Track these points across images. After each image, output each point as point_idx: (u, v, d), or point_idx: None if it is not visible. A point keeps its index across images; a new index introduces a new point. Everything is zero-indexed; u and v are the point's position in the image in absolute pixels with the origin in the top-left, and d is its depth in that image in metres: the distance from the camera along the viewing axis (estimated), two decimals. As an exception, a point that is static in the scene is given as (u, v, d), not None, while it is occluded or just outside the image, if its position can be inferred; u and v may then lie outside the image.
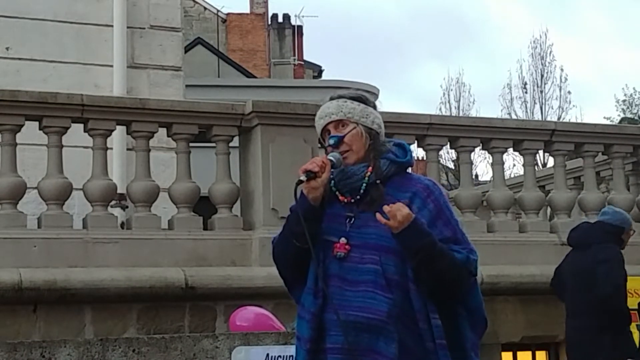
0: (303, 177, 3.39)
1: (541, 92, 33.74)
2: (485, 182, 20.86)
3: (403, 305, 3.36)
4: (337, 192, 3.51)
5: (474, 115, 30.39)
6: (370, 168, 3.48)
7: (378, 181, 3.46)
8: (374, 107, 3.61)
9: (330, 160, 3.44)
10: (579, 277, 6.86)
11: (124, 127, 7.75)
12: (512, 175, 19.37)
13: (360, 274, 3.38)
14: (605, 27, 63.61)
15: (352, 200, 3.48)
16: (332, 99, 3.61)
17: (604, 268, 6.69)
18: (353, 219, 3.46)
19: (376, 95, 18.31)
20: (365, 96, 3.62)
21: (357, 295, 3.36)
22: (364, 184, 3.46)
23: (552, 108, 33.56)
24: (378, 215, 3.35)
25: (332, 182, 3.49)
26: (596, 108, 55.22)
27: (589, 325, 6.73)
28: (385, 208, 3.34)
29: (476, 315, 3.51)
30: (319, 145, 7.91)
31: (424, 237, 3.36)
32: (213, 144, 7.84)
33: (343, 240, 3.43)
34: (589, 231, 7.06)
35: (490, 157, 9.06)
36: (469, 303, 3.50)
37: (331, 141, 3.52)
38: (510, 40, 64.41)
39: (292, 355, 5.90)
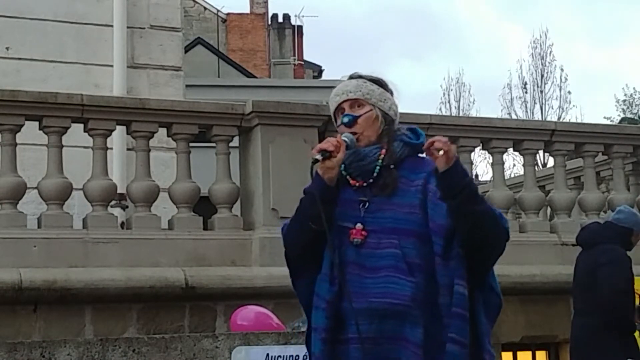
0: (318, 157, 3.26)
1: (541, 92, 33.80)
2: (485, 182, 20.85)
3: (426, 289, 3.22)
4: (347, 177, 3.37)
5: (474, 115, 30.40)
6: (383, 150, 3.36)
7: (392, 166, 3.34)
8: (392, 94, 3.50)
9: (344, 141, 3.30)
10: (585, 276, 6.81)
11: (124, 127, 7.75)
12: (512, 175, 19.40)
13: (379, 259, 3.24)
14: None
15: (365, 184, 3.35)
16: (351, 77, 3.47)
17: (605, 271, 6.66)
18: (367, 204, 3.32)
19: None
20: (384, 81, 3.49)
21: (377, 281, 3.23)
22: (377, 167, 3.34)
23: (552, 108, 33.66)
24: (431, 148, 3.17)
25: (343, 166, 3.34)
26: (596, 108, 55.25)
27: (596, 324, 6.67)
28: (437, 141, 3.17)
29: (492, 299, 3.37)
30: (318, 142, 7.93)
31: (466, 174, 3.23)
32: (213, 144, 7.84)
33: (359, 226, 3.29)
34: (597, 231, 7.01)
35: (490, 157, 9.05)
36: (491, 281, 3.36)
37: (345, 119, 3.39)
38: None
39: (292, 355, 5.93)
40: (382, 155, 3.35)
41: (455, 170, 3.19)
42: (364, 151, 3.35)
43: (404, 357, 3.19)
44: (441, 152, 3.17)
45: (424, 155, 3.40)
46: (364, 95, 3.41)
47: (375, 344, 3.22)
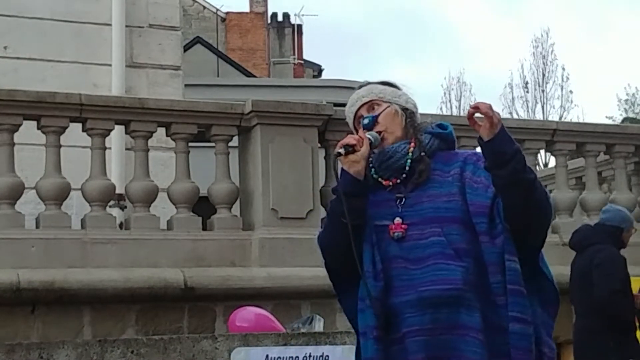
0: (342, 150, 3.16)
1: (543, 91, 33.81)
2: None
3: (477, 272, 3.12)
4: (379, 179, 3.27)
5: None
6: (412, 144, 3.26)
7: (423, 153, 3.25)
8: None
9: (368, 139, 3.20)
10: (580, 279, 6.89)
11: (123, 127, 7.72)
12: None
13: (424, 249, 3.14)
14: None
15: (398, 181, 3.25)
16: (360, 87, 3.42)
17: (599, 272, 6.71)
18: (404, 199, 3.22)
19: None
20: (394, 82, 3.43)
21: (425, 270, 3.11)
22: (409, 160, 3.24)
23: (554, 107, 33.67)
24: (471, 115, 3.06)
25: (372, 169, 3.26)
26: (598, 107, 55.26)
27: (593, 326, 6.74)
28: (482, 104, 3.03)
29: (547, 287, 3.26)
30: (319, 145, 7.90)
31: (514, 141, 3.08)
32: (212, 144, 7.81)
33: (398, 220, 3.19)
34: (588, 233, 7.07)
35: (491, 157, 9.00)
36: (542, 267, 3.24)
37: (365, 122, 3.29)
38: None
39: (292, 357, 5.90)
40: (412, 149, 3.26)
41: (503, 136, 3.06)
42: (391, 148, 3.26)
43: (463, 345, 3.09)
44: (485, 118, 3.05)
45: (455, 150, 3.36)
46: (377, 95, 3.34)
47: (431, 334, 3.10)
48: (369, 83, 3.42)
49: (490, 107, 3.07)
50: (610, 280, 6.66)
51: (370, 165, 3.26)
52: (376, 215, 3.22)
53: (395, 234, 3.19)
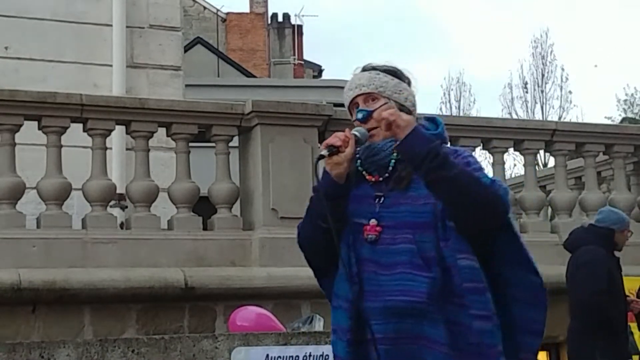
0: (325, 152, 3.10)
1: (542, 91, 33.78)
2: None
3: (445, 281, 3.09)
4: (364, 172, 3.25)
5: (474, 115, 30.37)
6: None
7: None
8: (409, 84, 3.32)
9: (355, 135, 3.14)
10: (569, 280, 6.90)
11: (124, 127, 7.74)
12: (513, 175, 19.40)
13: (394, 255, 3.11)
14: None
15: (381, 179, 3.22)
16: (364, 69, 3.31)
17: (582, 273, 6.73)
18: (383, 198, 3.19)
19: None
20: (400, 71, 3.32)
21: (393, 278, 3.10)
22: (393, 160, 3.21)
23: (553, 108, 33.63)
24: (389, 127, 3.09)
25: (359, 161, 3.24)
26: (597, 108, 55.24)
27: (582, 327, 6.74)
28: (382, 114, 3.10)
29: (524, 279, 3.22)
30: (319, 145, 7.92)
31: (430, 141, 3.09)
32: (213, 144, 7.82)
33: (373, 221, 3.16)
34: (580, 235, 7.09)
35: (491, 157, 9.03)
36: (517, 259, 3.24)
37: (359, 115, 3.23)
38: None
39: (292, 356, 5.91)
40: None
41: (412, 138, 3.08)
42: (377, 145, 3.21)
43: (428, 357, 3.08)
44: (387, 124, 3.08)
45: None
46: (377, 88, 3.24)
47: (393, 344, 3.09)
48: (374, 68, 3.32)
49: (392, 112, 3.11)
50: (593, 281, 6.65)
51: (357, 156, 3.22)
52: (355, 212, 3.20)
53: (369, 236, 3.17)
